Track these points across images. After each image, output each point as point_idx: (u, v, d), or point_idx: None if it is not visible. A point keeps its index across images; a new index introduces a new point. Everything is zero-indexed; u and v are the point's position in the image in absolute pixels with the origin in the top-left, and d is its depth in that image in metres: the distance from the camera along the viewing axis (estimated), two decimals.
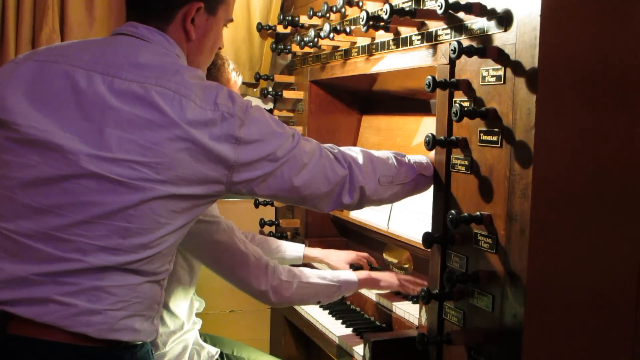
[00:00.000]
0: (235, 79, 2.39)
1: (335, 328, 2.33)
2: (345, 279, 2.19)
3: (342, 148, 1.82)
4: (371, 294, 2.36)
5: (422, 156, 1.96)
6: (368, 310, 2.42)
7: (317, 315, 2.47)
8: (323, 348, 2.43)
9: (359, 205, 1.83)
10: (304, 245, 2.68)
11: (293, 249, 2.64)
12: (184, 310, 2.23)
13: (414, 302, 2.22)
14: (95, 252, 1.44)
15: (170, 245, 1.54)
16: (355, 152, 1.82)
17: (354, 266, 2.54)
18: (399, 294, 2.30)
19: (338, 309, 2.48)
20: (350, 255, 2.56)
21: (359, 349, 2.13)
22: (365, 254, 2.59)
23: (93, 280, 1.45)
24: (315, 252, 2.63)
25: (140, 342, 1.57)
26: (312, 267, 2.68)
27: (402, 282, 2.28)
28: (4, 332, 1.43)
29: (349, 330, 2.31)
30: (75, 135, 1.45)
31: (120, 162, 1.43)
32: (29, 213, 1.45)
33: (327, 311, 2.48)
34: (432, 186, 1.91)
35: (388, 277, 2.29)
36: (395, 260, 2.55)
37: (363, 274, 2.28)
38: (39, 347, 1.42)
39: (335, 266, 2.54)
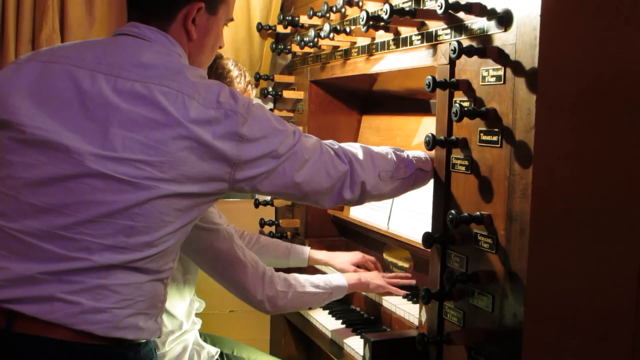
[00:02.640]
0: (249, 91, 2.39)
1: (327, 322, 2.39)
2: (337, 285, 2.26)
3: (342, 144, 1.84)
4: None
5: (420, 151, 1.97)
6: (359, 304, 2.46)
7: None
8: (311, 337, 2.46)
9: (360, 201, 1.84)
10: (309, 247, 2.67)
11: (298, 251, 2.64)
12: (182, 309, 2.23)
13: (411, 300, 2.23)
14: (101, 250, 1.45)
15: (174, 243, 1.56)
16: (355, 147, 1.84)
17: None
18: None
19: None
20: (356, 256, 2.56)
21: (349, 342, 2.20)
22: (372, 258, 2.58)
23: (98, 278, 1.46)
24: (321, 254, 2.63)
25: (144, 340, 1.58)
26: (316, 269, 2.69)
27: (388, 282, 2.33)
28: (9, 330, 1.44)
29: (339, 323, 2.37)
30: (80, 135, 1.46)
31: (125, 161, 1.44)
32: (34, 212, 1.46)
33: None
34: (431, 182, 1.92)
35: (376, 280, 2.34)
36: (395, 260, 2.55)
37: (353, 278, 2.32)
38: (44, 345, 1.43)
39: (340, 269, 2.54)
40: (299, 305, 2.19)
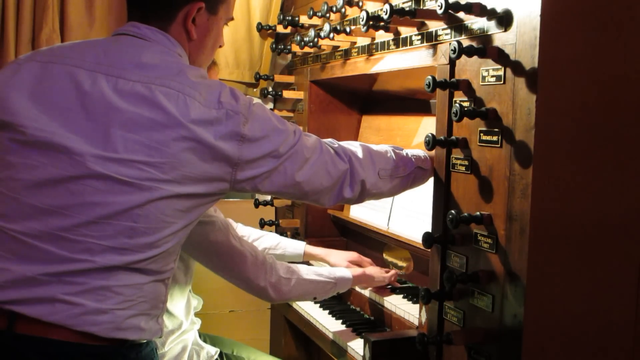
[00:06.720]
0: None
1: (328, 322, 2.38)
2: (341, 276, 2.26)
3: (342, 143, 1.85)
4: (365, 290, 2.42)
5: (419, 150, 1.98)
6: (363, 306, 2.45)
7: (309, 308, 2.54)
8: (311, 337, 2.47)
9: (360, 199, 1.85)
10: (304, 242, 2.68)
11: (294, 246, 2.64)
12: (182, 309, 2.23)
13: (411, 300, 2.23)
14: (103, 252, 1.45)
15: (175, 244, 1.56)
16: (354, 146, 1.84)
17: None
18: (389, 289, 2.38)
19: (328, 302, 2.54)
20: (352, 255, 2.56)
21: (348, 341, 2.20)
22: (368, 260, 2.58)
23: (100, 279, 1.46)
24: (317, 250, 2.63)
25: (145, 341, 1.58)
26: (310, 265, 2.68)
27: (393, 277, 2.36)
28: (11, 331, 1.44)
29: (339, 323, 2.37)
30: (81, 136, 1.45)
31: (126, 162, 1.44)
32: (35, 214, 1.45)
33: (318, 304, 2.55)
34: (431, 181, 1.92)
35: (380, 274, 2.36)
36: (395, 260, 2.55)
37: (358, 271, 2.33)
38: (46, 346, 1.43)
39: (335, 265, 2.54)
40: (303, 292, 2.16)
